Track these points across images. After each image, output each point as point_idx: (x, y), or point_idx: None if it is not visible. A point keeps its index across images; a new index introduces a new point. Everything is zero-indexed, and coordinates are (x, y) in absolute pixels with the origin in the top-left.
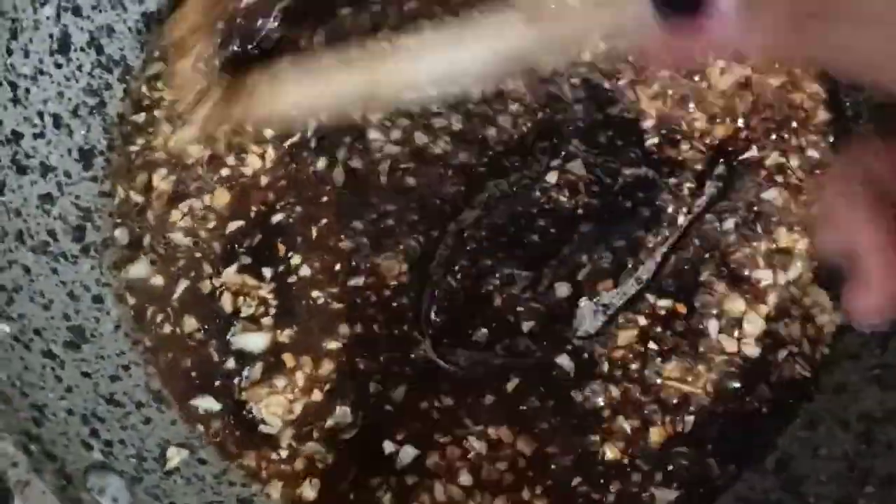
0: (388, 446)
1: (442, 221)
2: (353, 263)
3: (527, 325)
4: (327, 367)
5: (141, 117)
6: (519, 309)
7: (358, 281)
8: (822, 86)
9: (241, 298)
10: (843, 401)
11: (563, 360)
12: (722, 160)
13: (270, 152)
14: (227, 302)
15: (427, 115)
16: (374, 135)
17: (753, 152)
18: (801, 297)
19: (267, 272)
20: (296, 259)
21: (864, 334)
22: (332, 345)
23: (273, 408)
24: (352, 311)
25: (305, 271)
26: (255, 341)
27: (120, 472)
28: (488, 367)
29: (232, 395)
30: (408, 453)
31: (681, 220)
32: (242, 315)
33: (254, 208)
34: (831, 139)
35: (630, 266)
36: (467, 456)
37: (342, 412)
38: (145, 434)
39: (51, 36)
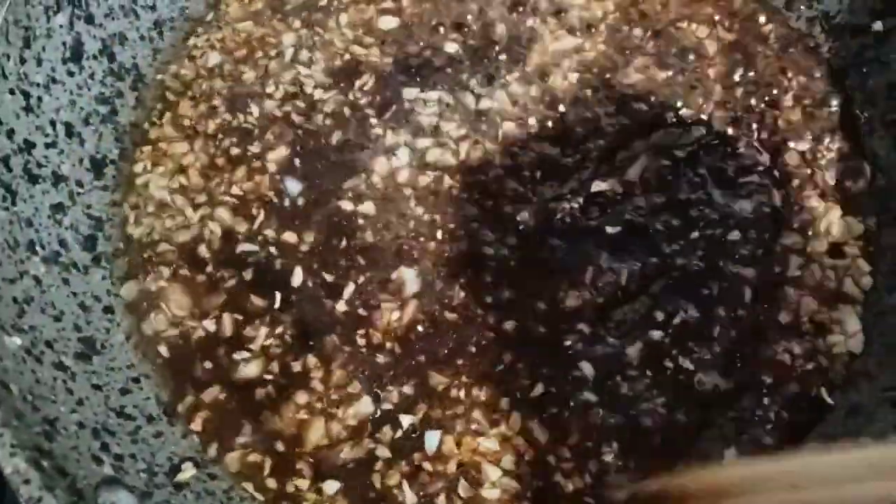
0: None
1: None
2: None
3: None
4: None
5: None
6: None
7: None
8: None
9: (251, 322)
10: (857, 422)
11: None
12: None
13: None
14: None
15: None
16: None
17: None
18: (823, 314)
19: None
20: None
21: (878, 355)
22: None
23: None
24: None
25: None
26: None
27: (131, 488)
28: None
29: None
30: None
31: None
32: (254, 338)
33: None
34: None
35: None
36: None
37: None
38: (156, 448)
39: (64, 44)
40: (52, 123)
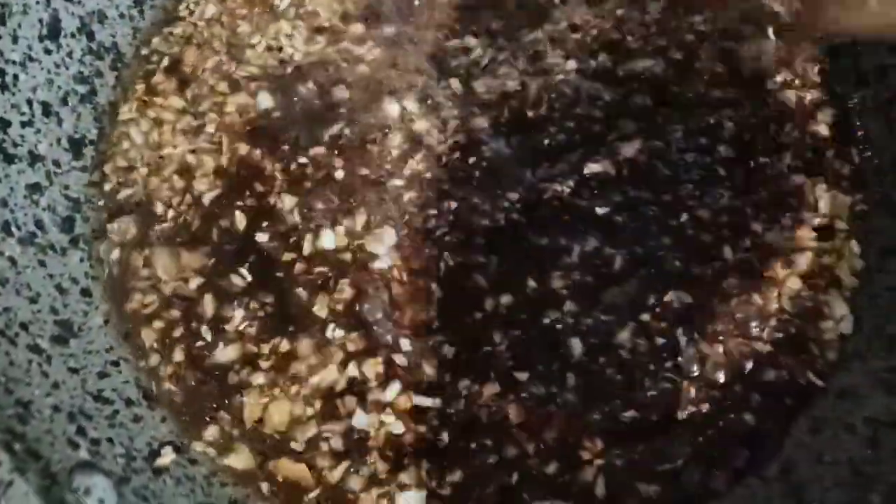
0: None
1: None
2: None
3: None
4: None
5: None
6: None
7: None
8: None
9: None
10: (848, 405)
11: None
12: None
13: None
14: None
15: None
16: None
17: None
18: (814, 298)
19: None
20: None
21: (869, 337)
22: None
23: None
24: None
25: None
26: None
27: (107, 472)
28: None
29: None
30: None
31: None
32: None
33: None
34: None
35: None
36: None
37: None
38: (134, 433)
39: (40, 21)
40: (29, 102)
